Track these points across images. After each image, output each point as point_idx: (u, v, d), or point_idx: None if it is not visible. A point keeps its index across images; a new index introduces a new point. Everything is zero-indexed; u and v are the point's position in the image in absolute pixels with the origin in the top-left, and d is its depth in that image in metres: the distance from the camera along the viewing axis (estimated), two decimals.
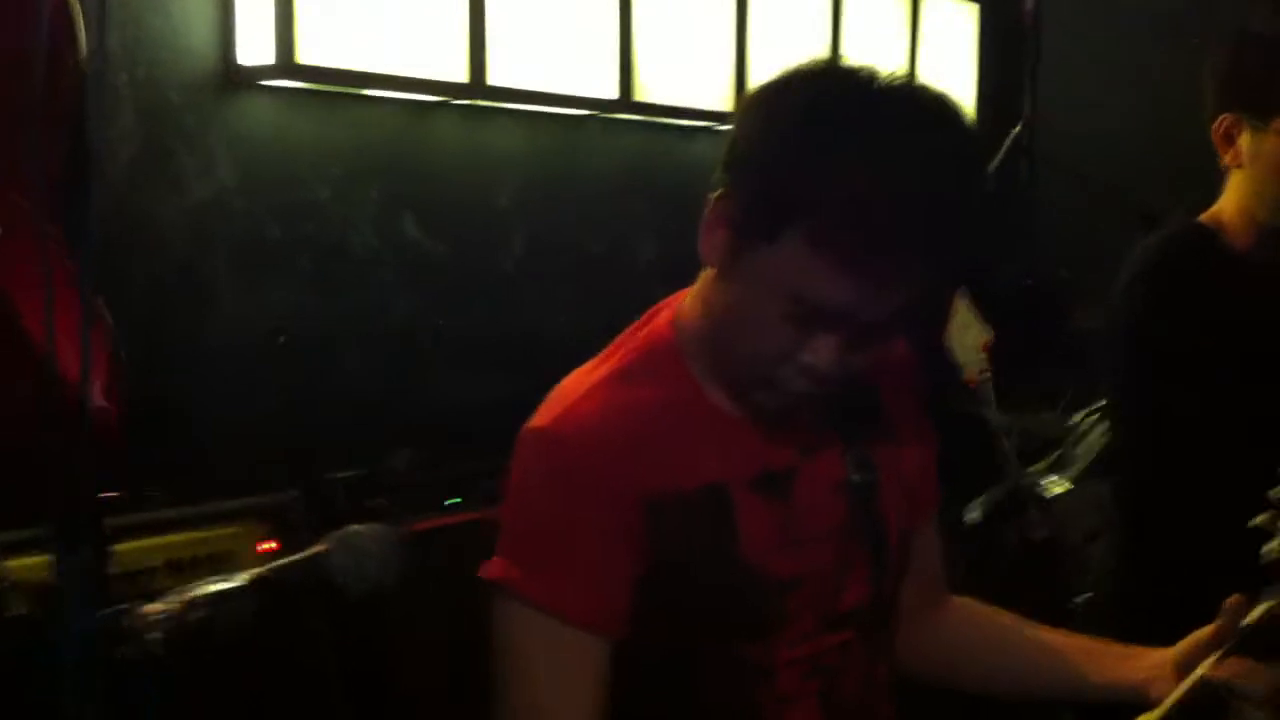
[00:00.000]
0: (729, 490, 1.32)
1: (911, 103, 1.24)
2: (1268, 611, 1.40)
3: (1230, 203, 1.97)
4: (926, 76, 4.23)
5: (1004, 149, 4.13)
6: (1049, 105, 4.57)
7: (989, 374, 3.58)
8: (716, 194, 1.28)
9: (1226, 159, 1.94)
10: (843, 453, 1.39)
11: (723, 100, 3.41)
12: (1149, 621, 1.53)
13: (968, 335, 3.69)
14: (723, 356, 1.33)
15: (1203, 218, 2.00)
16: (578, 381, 1.36)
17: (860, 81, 1.24)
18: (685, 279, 1.40)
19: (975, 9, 4.62)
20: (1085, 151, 4.41)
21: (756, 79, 3.40)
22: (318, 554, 1.24)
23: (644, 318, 1.42)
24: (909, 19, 4.28)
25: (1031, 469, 3.56)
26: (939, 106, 1.25)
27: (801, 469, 1.36)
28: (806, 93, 1.23)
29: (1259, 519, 1.46)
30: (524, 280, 2.96)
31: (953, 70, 4.54)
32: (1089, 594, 2.35)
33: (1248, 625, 1.40)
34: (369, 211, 2.72)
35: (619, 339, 1.41)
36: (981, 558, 3.59)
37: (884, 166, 1.18)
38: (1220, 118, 1.91)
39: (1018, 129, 4.24)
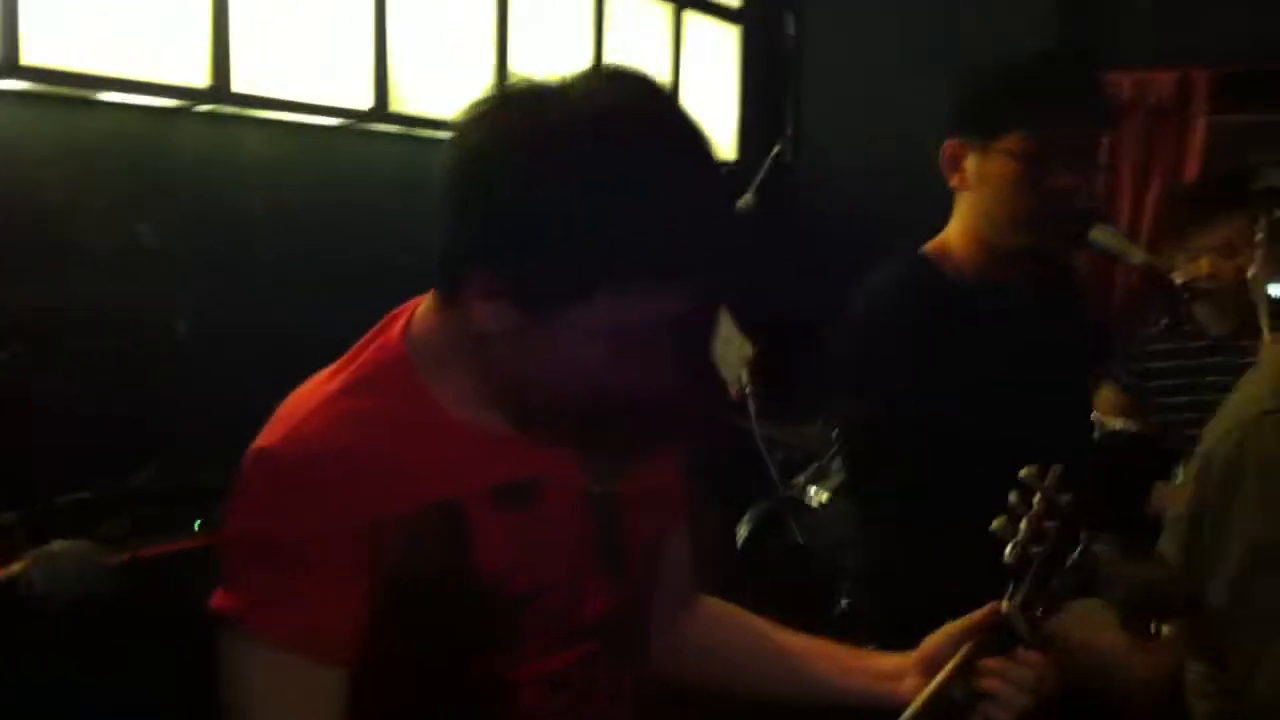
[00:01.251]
0: (463, 504, 1.27)
1: (654, 118, 1.20)
2: (1010, 608, 1.45)
3: (957, 227, 2.06)
4: (690, 94, 4.33)
5: (765, 167, 4.20)
6: (809, 126, 4.70)
7: (751, 388, 3.65)
8: (478, 271, 1.19)
9: (953, 182, 2.03)
10: (584, 463, 1.35)
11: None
12: (898, 629, 1.56)
13: (730, 350, 3.74)
14: (499, 384, 1.27)
15: (929, 246, 2.08)
16: (305, 397, 1.29)
17: (590, 106, 1.17)
18: None
19: (737, 30, 4.70)
20: (845, 172, 4.55)
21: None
22: (11, 573, 1.15)
23: (374, 330, 1.35)
24: (671, 37, 4.33)
25: (794, 480, 3.63)
26: (665, 101, 1.22)
27: (542, 479, 1.32)
28: (563, 148, 1.16)
29: (996, 523, 1.51)
30: (276, 287, 2.85)
31: (715, 89, 4.61)
32: (846, 601, 2.42)
33: (988, 623, 1.44)
34: (103, 217, 2.57)
35: (350, 351, 1.34)
36: (747, 567, 3.64)
37: (676, 203, 1.16)
38: (946, 142, 2.00)
39: (778, 148, 4.34)
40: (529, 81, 1.21)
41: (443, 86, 3.29)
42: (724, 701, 1.63)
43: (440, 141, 3.21)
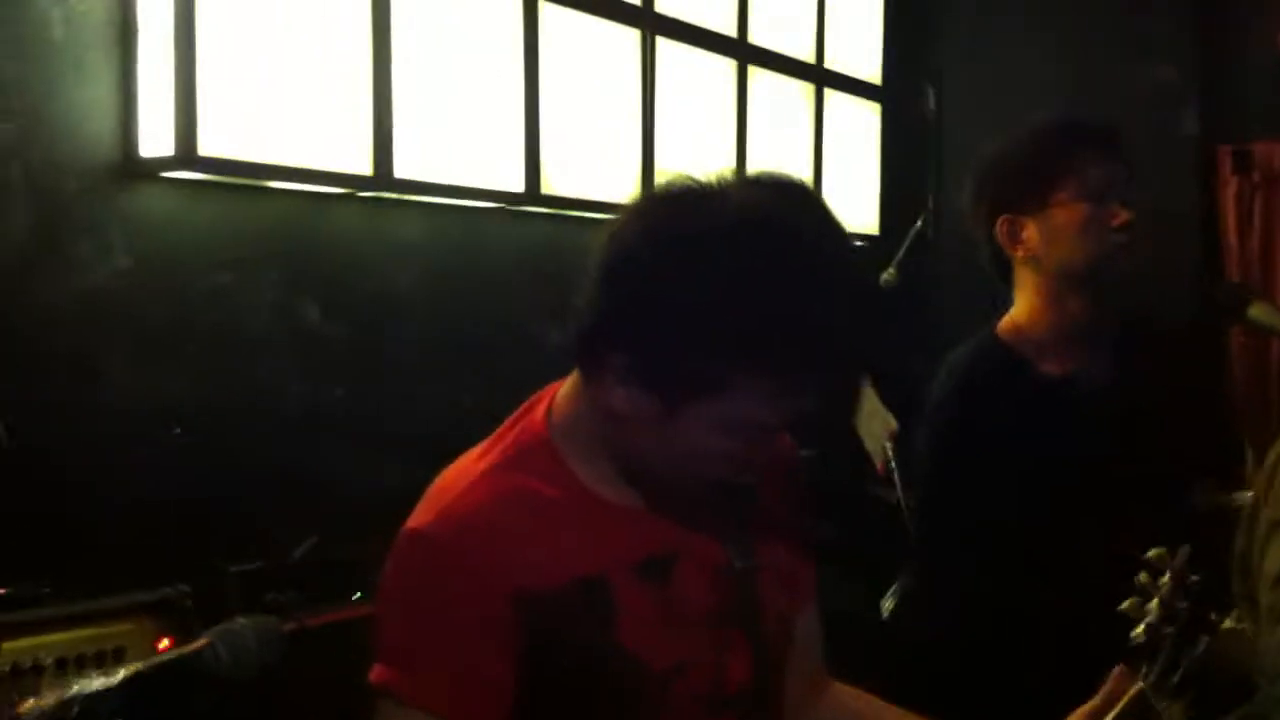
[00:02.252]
0: (609, 578, 1.32)
1: (796, 224, 1.25)
2: (1139, 693, 1.45)
3: (1027, 301, 2.13)
4: (832, 170, 4.37)
5: (907, 243, 4.21)
6: (951, 200, 4.69)
7: (895, 462, 3.63)
8: (616, 354, 1.25)
9: (1018, 254, 2.11)
10: (723, 538, 1.40)
11: (629, 193, 3.45)
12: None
13: (874, 424, 3.74)
14: (632, 463, 1.33)
15: (1000, 327, 2.15)
16: (455, 477, 1.36)
17: (740, 213, 1.23)
18: None
19: (877, 106, 4.74)
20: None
21: (662, 171, 3.50)
22: (197, 648, 1.23)
23: (519, 412, 1.42)
24: (813, 114, 4.38)
25: None
26: (815, 210, 1.28)
27: (681, 554, 1.37)
28: (710, 251, 1.22)
29: (1126, 604, 1.52)
30: (426, 369, 2.95)
31: (857, 165, 4.64)
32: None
33: (1123, 705, 1.45)
34: (267, 299, 2.70)
35: (497, 433, 1.41)
36: (893, 645, 3.60)
37: (813, 314, 1.21)
38: (999, 221, 2.10)
39: (919, 224, 4.34)
40: (685, 180, 1.28)
41: (591, 169, 3.39)
42: None
43: (588, 221, 3.35)
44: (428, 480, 1.37)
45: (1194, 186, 4.43)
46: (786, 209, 1.27)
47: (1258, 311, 2.14)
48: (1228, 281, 4.13)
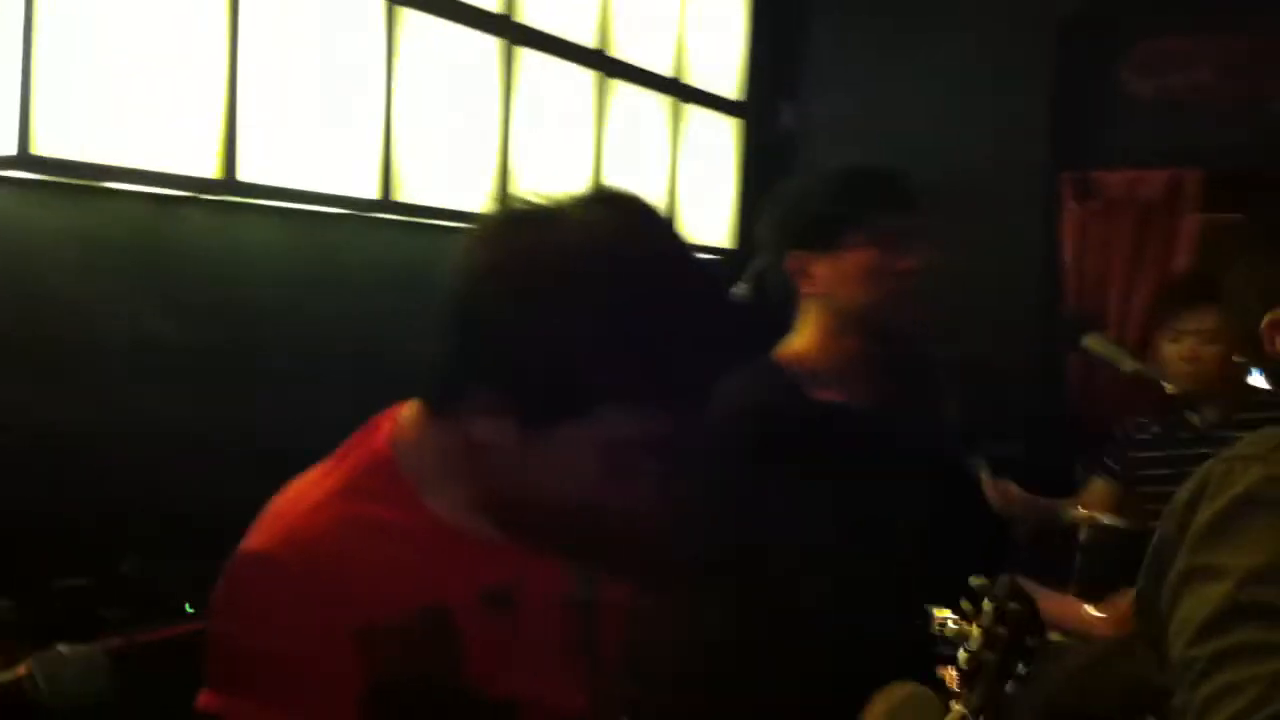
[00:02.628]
0: (451, 608, 1.29)
1: (650, 246, 1.27)
2: (957, 716, 1.50)
3: (810, 334, 2.19)
4: (689, 184, 4.40)
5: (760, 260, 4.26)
6: None
7: None
8: (479, 389, 1.23)
9: (806, 289, 2.17)
10: (569, 570, 1.39)
11: (486, 202, 3.43)
12: None
13: None
14: (492, 495, 1.30)
15: (782, 353, 2.20)
16: (295, 500, 1.31)
17: (585, 235, 1.24)
18: None
19: (737, 123, 4.79)
20: None
21: (519, 180, 3.49)
22: (16, 678, 1.18)
23: (360, 432, 1.37)
24: (671, 128, 4.41)
25: None
26: (659, 227, 1.30)
27: (527, 583, 1.35)
28: (564, 275, 1.21)
29: (950, 630, 1.57)
30: (271, 378, 2.89)
31: (714, 179, 4.69)
32: None
33: None
34: (109, 304, 2.62)
35: (336, 454, 1.36)
36: None
37: (669, 328, 1.22)
38: (790, 256, 2.16)
39: None
40: (532, 203, 1.27)
41: (448, 178, 3.37)
42: None
43: (443, 230, 3.31)
44: (268, 494, 1.32)
45: (1041, 214, 4.58)
46: (635, 227, 1.28)
47: (1093, 342, 2.23)
48: (1066, 313, 4.27)
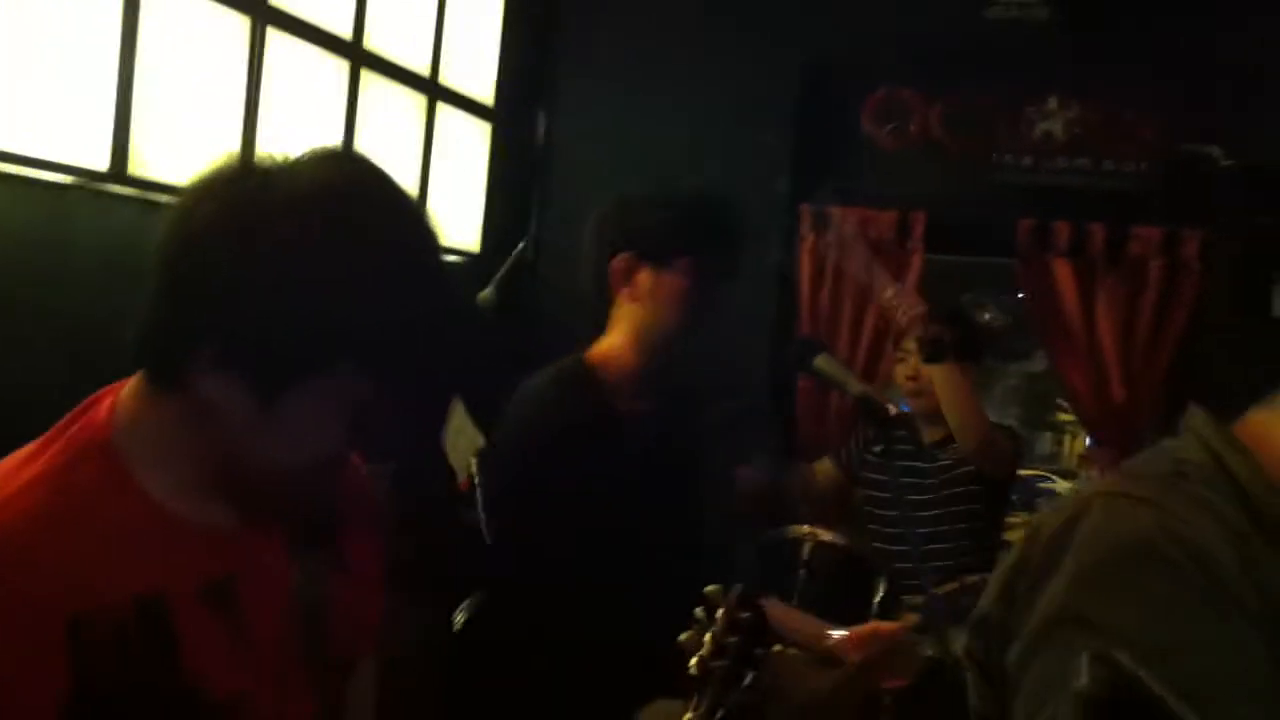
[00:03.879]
0: (167, 598, 1.23)
1: (375, 197, 1.25)
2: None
3: (621, 336, 2.30)
4: (438, 185, 4.35)
5: (507, 264, 4.26)
6: (553, 227, 4.79)
7: (479, 480, 3.65)
8: (206, 347, 1.19)
9: (623, 295, 2.26)
10: (291, 564, 1.35)
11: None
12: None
13: (461, 440, 3.75)
14: (219, 463, 1.25)
15: (590, 353, 2.30)
16: (1, 480, 1.22)
17: (311, 186, 1.21)
18: None
19: (488, 126, 4.76)
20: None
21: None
22: None
23: (74, 413, 1.30)
24: (424, 126, 4.35)
25: None
26: (384, 182, 1.28)
27: (248, 576, 1.30)
28: (279, 217, 1.19)
29: (684, 636, 1.59)
30: None
31: (463, 182, 4.65)
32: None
33: None
34: None
35: (47, 435, 1.28)
36: (465, 659, 3.61)
37: (397, 279, 1.20)
38: (618, 257, 2.24)
39: (521, 245, 4.40)
40: (250, 159, 1.24)
41: (188, 153, 3.22)
42: None
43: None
44: None
45: (780, 243, 4.74)
46: (359, 178, 1.26)
47: (822, 363, 2.34)
48: (798, 338, 4.43)
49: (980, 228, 4.56)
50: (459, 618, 3.71)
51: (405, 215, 1.27)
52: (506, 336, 4.48)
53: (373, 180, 1.28)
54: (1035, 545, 1.25)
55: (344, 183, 1.24)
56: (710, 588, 1.61)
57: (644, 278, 2.24)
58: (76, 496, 1.21)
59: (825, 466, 3.91)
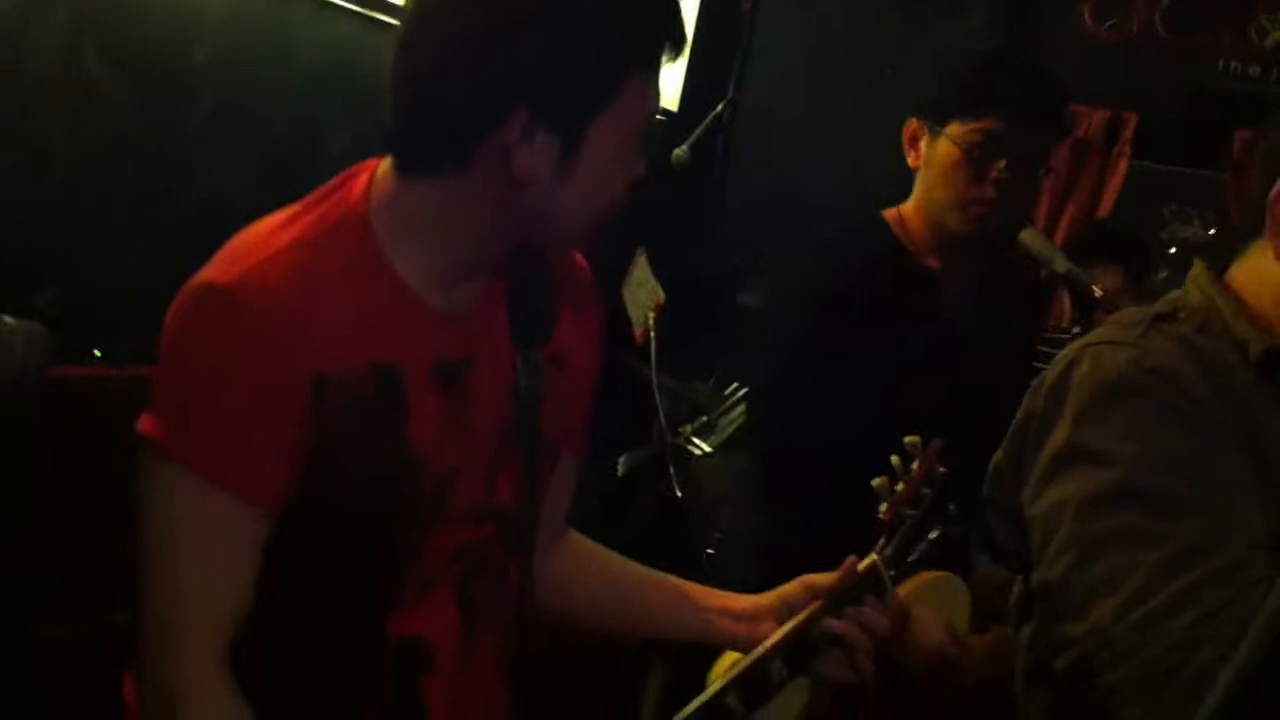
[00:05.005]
0: (404, 371, 1.30)
1: None
2: (871, 564, 1.54)
3: (913, 203, 2.19)
4: None
5: (704, 124, 4.24)
6: (754, 92, 4.75)
7: (655, 335, 3.70)
8: (506, 114, 1.23)
9: (910, 160, 2.16)
10: (515, 357, 1.40)
11: None
12: (775, 574, 1.63)
13: (641, 293, 3.79)
14: (519, 237, 1.33)
15: (887, 212, 2.17)
16: (259, 240, 1.29)
17: None
18: None
19: None
20: (783, 143, 4.62)
21: None
22: None
23: (335, 182, 1.35)
24: None
25: (680, 429, 3.69)
26: None
27: (476, 362, 1.36)
28: None
29: (877, 481, 1.60)
30: (207, 143, 2.81)
31: None
32: (714, 549, 2.49)
33: (854, 574, 1.53)
34: (48, 40, 2.50)
35: (307, 200, 1.34)
36: (623, 507, 3.70)
37: None
38: (909, 121, 2.13)
39: (720, 108, 4.37)
40: None
41: None
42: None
43: (392, 28, 3.20)
44: (192, 258, 1.29)
45: None
46: None
47: (1027, 238, 2.23)
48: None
49: (1194, 135, 4.36)
50: (619, 472, 3.81)
51: None
52: (697, 195, 4.50)
53: None
54: (1038, 397, 1.43)
55: None
56: (910, 438, 1.62)
57: (924, 144, 2.12)
58: (334, 265, 1.27)
59: None
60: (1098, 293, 2.18)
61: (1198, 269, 1.47)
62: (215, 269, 1.26)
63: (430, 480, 1.33)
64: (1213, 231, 4.47)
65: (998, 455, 1.50)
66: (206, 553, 1.25)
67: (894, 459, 1.61)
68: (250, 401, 1.22)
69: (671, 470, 3.55)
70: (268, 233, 1.30)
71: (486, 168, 1.26)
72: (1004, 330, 2.25)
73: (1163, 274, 4.60)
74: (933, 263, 2.15)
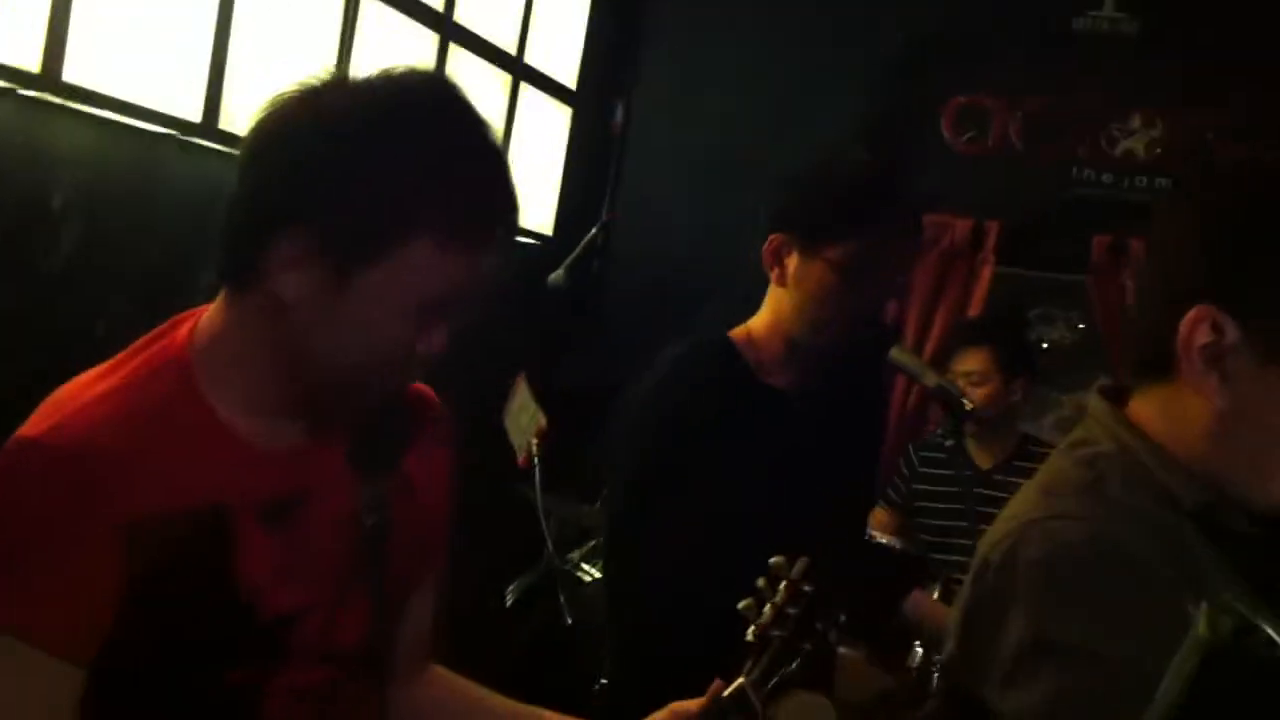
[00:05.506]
0: (228, 512, 1.27)
1: (439, 87, 1.31)
2: (738, 688, 1.53)
3: (765, 318, 2.14)
4: (518, 164, 4.37)
5: (579, 249, 4.27)
6: (627, 212, 4.81)
7: (538, 459, 3.66)
8: (287, 231, 1.23)
9: (773, 277, 2.11)
10: (356, 489, 1.38)
11: None
12: (647, 708, 1.61)
13: (523, 418, 3.76)
14: (292, 364, 1.28)
15: (734, 331, 2.16)
16: (75, 391, 1.28)
17: (396, 84, 1.27)
18: None
19: (569, 111, 4.79)
20: (657, 260, 4.67)
21: None
22: None
23: (157, 331, 1.34)
24: (507, 107, 4.38)
25: (569, 555, 3.66)
26: (445, 81, 1.34)
27: (311, 498, 1.33)
28: (369, 105, 1.24)
29: (743, 603, 1.60)
30: (73, 283, 2.74)
31: (542, 164, 4.68)
32: (604, 681, 2.45)
33: (720, 699, 1.52)
34: None
35: (127, 351, 1.33)
36: (511, 636, 3.64)
37: (472, 149, 1.27)
38: (772, 237, 2.08)
39: (594, 231, 4.42)
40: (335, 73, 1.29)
41: None
42: None
43: None
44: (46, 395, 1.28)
45: None
46: (435, 82, 1.33)
47: (898, 354, 2.27)
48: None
49: (1054, 242, 4.51)
50: (508, 599, 3.75)
51: (470, 113, 1.30)
52: (574, 317, 4.51)
53: (444, 82, 1.33)
54: (985, 582, 1.30)
55: (414, 82, 1.29)
56: (776, 559, 1.61)
57: (793, 261, 2.07)
58: (148, 407, 1.25)
59: (880, 516, 3.81)
60: (968, 405, 2.21)
61: (1098, 407, 1.37)
62: (32, 423, 1.24)
63: (263, 621, 1.29)
64: (1076, 337, 4.60)
65: (948, 649, 1.40)
66: (19, 711, 1.21)
67: (760, 580, 1.61)
68: (58, 554, 1.19)
69: (561, 597, 3.51)
70: (85, 384, 1.29)
71: (267, 290, 1.26)
72: (853, 434, 2.24)
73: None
74: (780, 381, 2.12)
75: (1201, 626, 0.81)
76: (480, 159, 1.28)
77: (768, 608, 1.59)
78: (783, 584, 1.59)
